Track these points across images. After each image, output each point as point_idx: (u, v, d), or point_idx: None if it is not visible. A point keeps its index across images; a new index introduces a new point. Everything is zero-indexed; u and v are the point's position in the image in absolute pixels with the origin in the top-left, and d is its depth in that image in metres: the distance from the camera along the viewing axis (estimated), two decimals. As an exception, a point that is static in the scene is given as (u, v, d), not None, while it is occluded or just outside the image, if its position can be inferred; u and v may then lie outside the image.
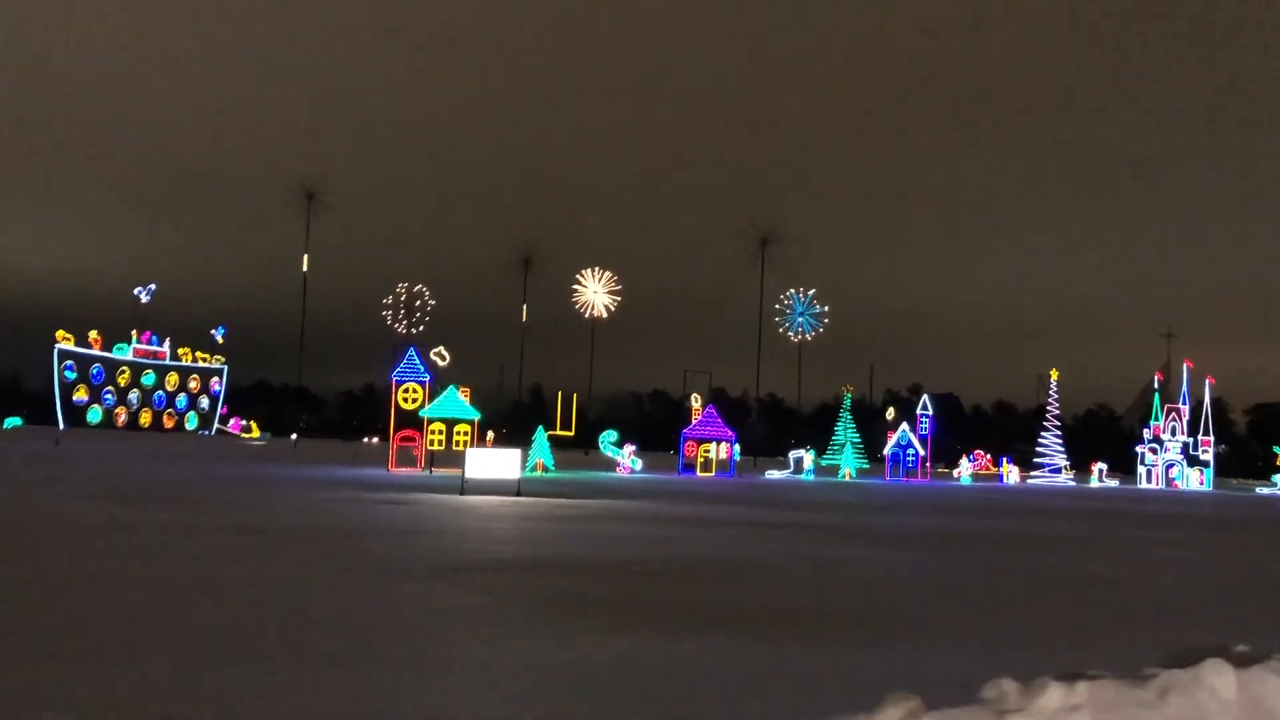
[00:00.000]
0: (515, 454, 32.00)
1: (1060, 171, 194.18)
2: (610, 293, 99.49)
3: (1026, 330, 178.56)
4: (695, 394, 61.21)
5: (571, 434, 64.62)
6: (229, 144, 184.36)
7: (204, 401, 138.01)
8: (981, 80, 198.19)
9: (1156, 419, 72.96)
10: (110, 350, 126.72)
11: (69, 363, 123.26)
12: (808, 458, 61.58)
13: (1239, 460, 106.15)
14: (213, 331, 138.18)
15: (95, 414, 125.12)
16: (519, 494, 30.48)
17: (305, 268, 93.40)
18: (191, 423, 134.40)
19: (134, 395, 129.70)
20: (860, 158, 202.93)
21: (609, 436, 55.57)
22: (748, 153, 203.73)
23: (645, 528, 21.46)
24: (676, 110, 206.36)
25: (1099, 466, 71.62)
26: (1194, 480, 71.79)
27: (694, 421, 58.59)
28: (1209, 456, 72.36)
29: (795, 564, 15.91)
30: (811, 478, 60.16)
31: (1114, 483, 72.08)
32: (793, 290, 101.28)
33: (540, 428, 51.88)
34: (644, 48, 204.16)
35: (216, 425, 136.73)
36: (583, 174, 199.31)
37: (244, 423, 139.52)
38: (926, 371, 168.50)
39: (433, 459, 47.84)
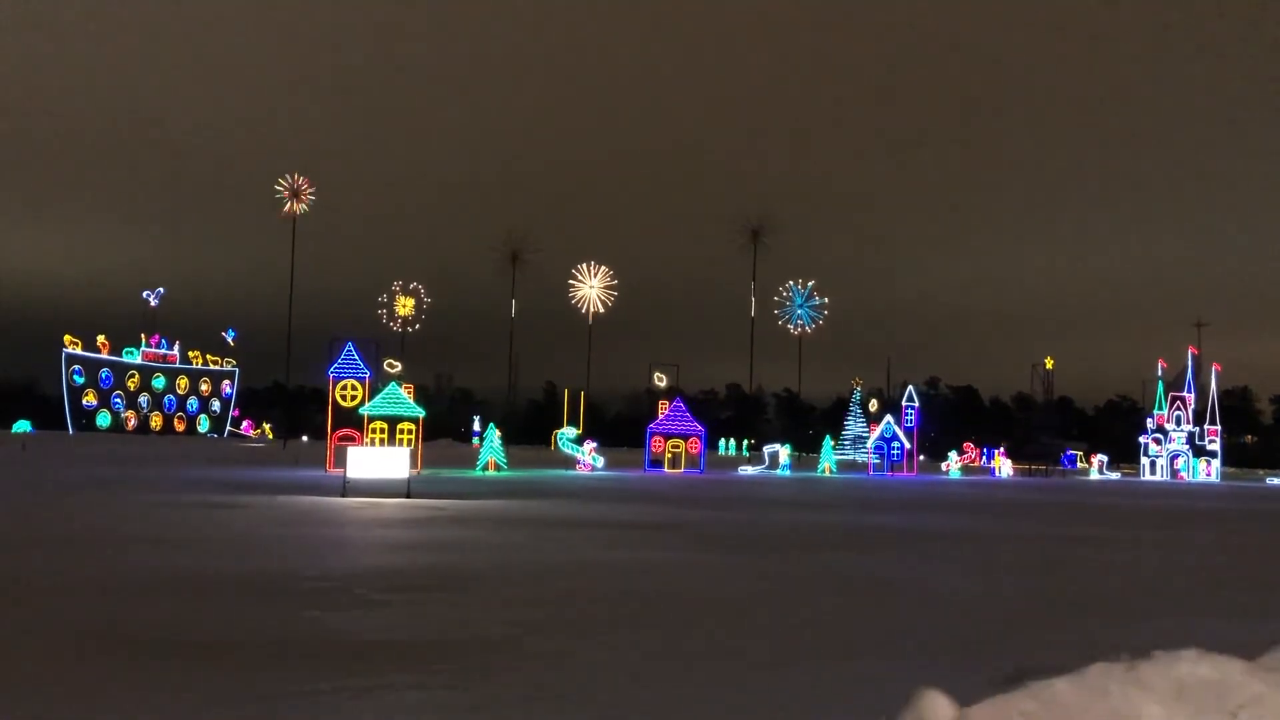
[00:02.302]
0: (404, 453, 30.24)
1: (1088, 161, 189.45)
2: (606, 287, 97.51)
3: (1050, 323, 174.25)
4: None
5: (580, 431, 62.89)
6: (234, 145, 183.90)
7: (215, 404, 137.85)
8: (1003, 68, 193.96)
9: (1160, 408, 69.84)
10: (120, 354, 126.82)
11: (76, 367, 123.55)
12: (783, 452, 59.33)
13: (1265, 450, 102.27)
14: (223, 334, 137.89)
15: (104, 418, 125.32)
16: (409, 495, 28.69)
17: (292, 268, 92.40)
18: (203, 426, 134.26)
19: (144, 399, 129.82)
20: (883, 149, 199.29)
21: (567, 434, 53.71)
22: (757, 147, 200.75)
23: (484, 533, 19.63)
24: (676, 104, 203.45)
25: (1099, 458, 68.85)
26: (1201, 471, 68.62)
27: (660, 416, 56.53)
28: (1216, 446, 69.06)
29: (564, 574, 13.97)
30: (788, 473, 57.91)
31: (1115, 475, 69.21)
32: (791, 282, 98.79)
33: (491, 425, 50.11)
34: (639, 38, 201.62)
35: (229, 428, 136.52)
36: (579, 169, 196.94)
37: (260, 425, 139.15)
38: (946, 365, 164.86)
39: (374, 458, 46.25)
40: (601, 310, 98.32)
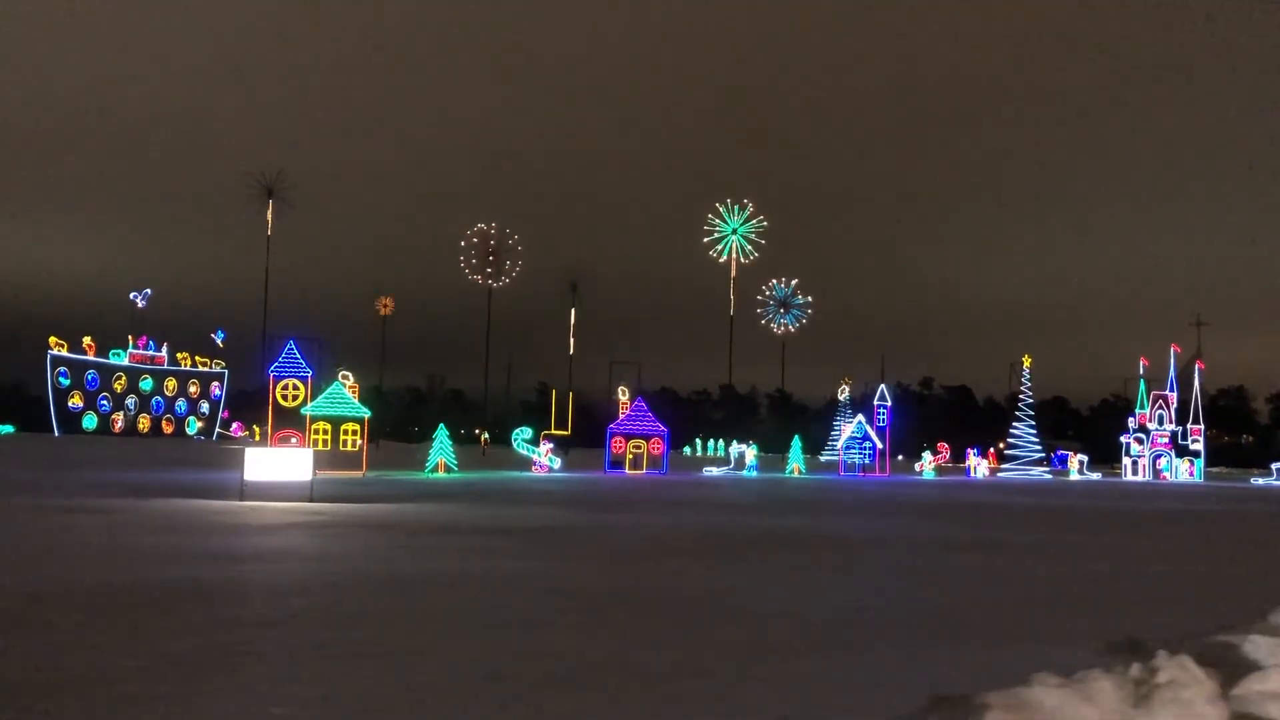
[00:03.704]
0: (306, 454, 28.98)
1: (1082, 159, 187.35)
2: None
3: (1045, 322, 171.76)
4: (622, 388, 57.81)
5: (568, 433, 61.68)
6: (223, 145, 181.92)
7: (204, 406, 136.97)
8: (1004, 64, 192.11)
9: (1142, 407, 68.26)
10: (106, 356, 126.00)
11: (62, 369, 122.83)
12: (750, 453, 58.01)
13: (1262, 449, 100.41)
14: (213, 335, 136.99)
15: (91, 420, 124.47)
16: (311, 499, 27.47)
17: (267, 266, 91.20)
18: (191, 428, 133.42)
19: (131, 401, 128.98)
20: (881, 148, 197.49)
21: (522, 434, 52.41)
22: (751, 146, 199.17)
23: (333, 540, 18.57)
24: (666, 102, 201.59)
25: (1079, 458, 67.42)
26: (1183, 471, 66.98)
27: (621, 416, 55.28)
28: (1199, 446, 67.37)
29: (340, 589, 12.88)
30: (754, 474, 56.65)
31: (1096, 475, 67.71)
32: (775, 281, 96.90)
33: (441, 426, 48.90)
34: (622, 36, 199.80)
35: (218, 430, 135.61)
36: (571, 169, 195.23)
37: (251, 427, 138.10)
38: (942, 364, 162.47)
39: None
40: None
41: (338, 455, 46.76)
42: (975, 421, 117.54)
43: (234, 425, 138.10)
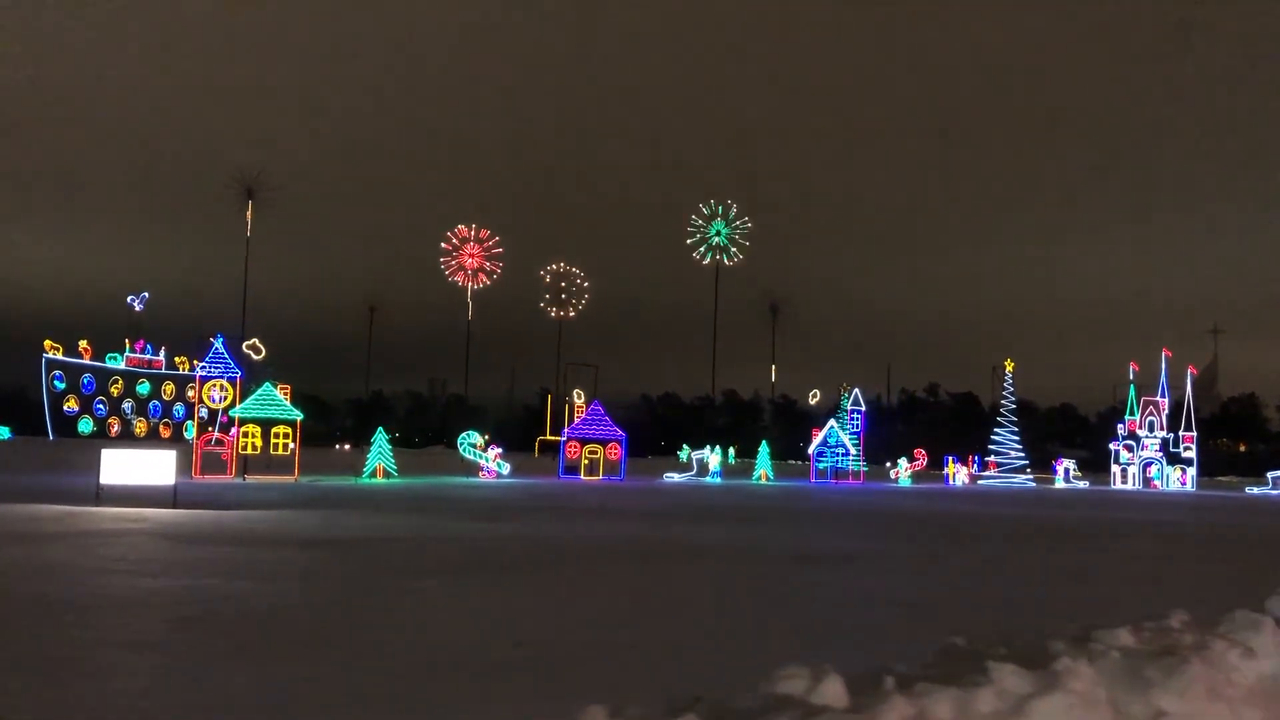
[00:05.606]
0: (169, 455, 27.36)
1: (1097, 166, 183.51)
2: (575, 290, 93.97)
3: (1054, 328, 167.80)
4: (578, 390, 55.98)
5: (562, 438, 60.02)
6: (221, 149, 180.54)
7: (203, 411, 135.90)
8: (1010, 70, 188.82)
9: (1132, 414, 65.63)
10: (103, 359, 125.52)
11: (58, 373, 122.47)
12: (714, 458, 55.89)
13: (1272, 457, 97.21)
14: (211, 339, 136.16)
15: (86, 424, 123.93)
16: (175, 504, 25.85)
17: (246, 268, 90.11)
18: (189, 432, 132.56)
19: (128, 405, 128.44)
20: (889, 155, 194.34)
21: (468, 438, 50.60)
22: (748, 150, 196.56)
23: (98, 556, 17.08)
24: (660, 102, 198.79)
25: (1065, 465, 64.97)
26: (1175, 479, 64.28)
27: (577, 420, 53.44)
28: (1191, 454, 64.63)
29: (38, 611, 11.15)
30: (718, 480, 54.62)
31: (1084, 483, 65.20)
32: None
33: (380, 429, 47.26)
34: (611, 35, 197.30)
35: (217, 435, 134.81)
36: (569, 170, 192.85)
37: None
38: (951, 371, 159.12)
39: (246, 464, 43.74)
40: (571, 314, 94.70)
41: (274, 459, 45.29)
42: (976, 428, 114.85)
43: (233, 430, 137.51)
